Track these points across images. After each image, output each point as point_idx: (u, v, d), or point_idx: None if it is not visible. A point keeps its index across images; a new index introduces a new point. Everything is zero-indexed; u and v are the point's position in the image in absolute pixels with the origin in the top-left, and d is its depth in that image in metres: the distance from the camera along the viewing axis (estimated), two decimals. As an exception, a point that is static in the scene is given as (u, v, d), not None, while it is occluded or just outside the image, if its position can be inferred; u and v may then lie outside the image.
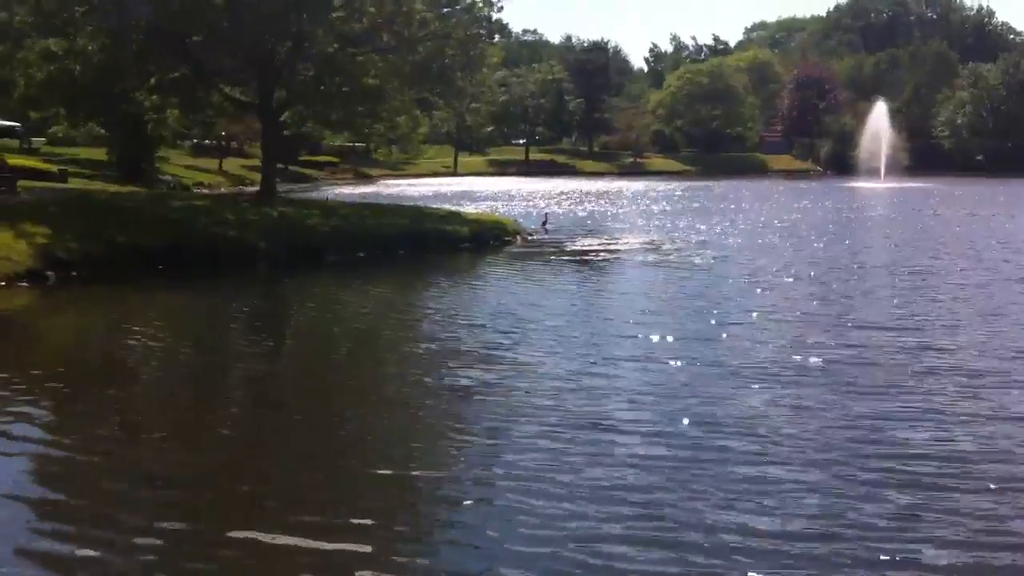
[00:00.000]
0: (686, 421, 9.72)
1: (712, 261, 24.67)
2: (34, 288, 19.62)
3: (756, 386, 11.12)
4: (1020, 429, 9.42)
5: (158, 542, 6.94)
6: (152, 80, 33.50)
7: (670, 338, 14.12)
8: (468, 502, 7.66)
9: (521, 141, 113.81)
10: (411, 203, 37.33)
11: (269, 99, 34.23)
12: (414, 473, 8.40)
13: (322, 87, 33.53)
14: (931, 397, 10.60)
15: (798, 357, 12.69)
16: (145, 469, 8.69)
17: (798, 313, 16.45)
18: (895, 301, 17.66)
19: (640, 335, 14.46)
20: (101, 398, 11.26)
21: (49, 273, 20.27)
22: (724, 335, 14.41)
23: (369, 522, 7.23)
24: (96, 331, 16.44)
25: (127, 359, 13.55)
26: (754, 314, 16.38)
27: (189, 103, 35.37)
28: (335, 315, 17.81)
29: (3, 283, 19.29)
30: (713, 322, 15.61)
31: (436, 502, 7.82)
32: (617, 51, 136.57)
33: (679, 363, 12.40)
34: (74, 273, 20.76)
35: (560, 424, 9.67)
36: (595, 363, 12.52)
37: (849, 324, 15.28)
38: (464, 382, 11.66)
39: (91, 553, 6.72)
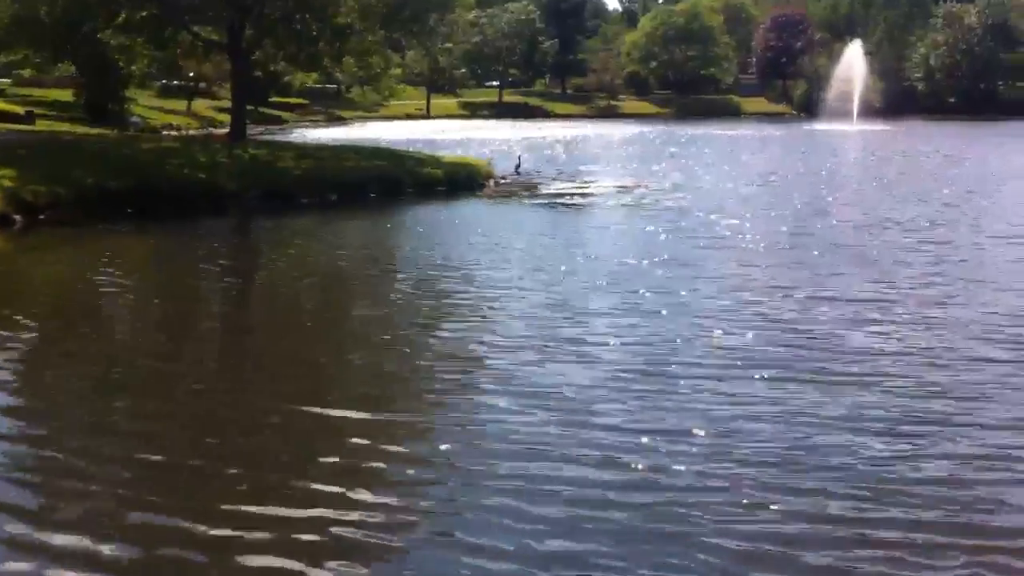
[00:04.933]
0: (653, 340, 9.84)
1: (684, 204, 24.64)
2: (1, 232, 19.38)
3: (710, 303, 11.26)
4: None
5: (129, 483, 6.97)
6: (120, 18, 32.84)
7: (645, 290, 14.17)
8: (445, 444, 7.66)
9: (494, 83, 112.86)
10: (384, 146, 36.96)
11: (239, 38, 33.69)
12: (387, 414, 8.38)
13: (292, 25, 33.01)
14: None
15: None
16: (115, 415, 8.68)
17: (762, 248, 16.61)
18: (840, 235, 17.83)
19: (616, 277, 14.52)
20: (69, 344, 11.13)
21: (16, 217, 20.01)
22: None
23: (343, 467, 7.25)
24: (64, 276, 16.23)
25: (96, 303, 13.48)
26: (714, 248, 16.54)
27: (157, 42, 34.71)
28: (306, 258, 17.71)
29: (-31, 226, 19.06)
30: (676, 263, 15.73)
31: (414, 441, 7.82)
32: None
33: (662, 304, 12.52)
34: (41, 216, 20.51)
35: (527, 364, 9.76)
36: (566, 300, 12.58)
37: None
38: (438, 322, 11.74)
39: (60, 502, 6.72)
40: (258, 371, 9.98)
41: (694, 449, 7.44)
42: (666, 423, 8.00)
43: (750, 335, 10.86)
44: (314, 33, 33.67)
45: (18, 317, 12.24)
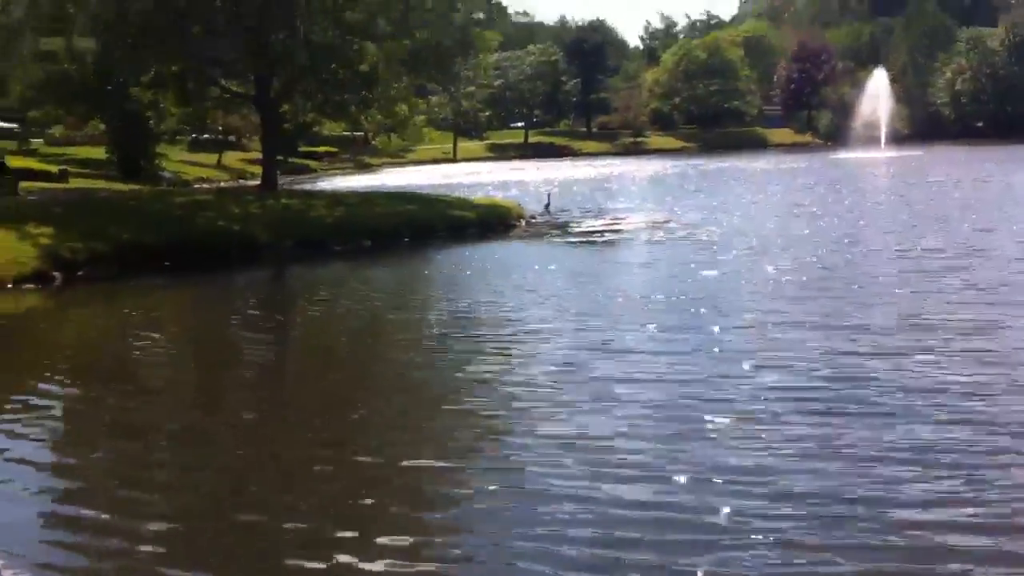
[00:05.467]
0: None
1: (717, 238, 24.48)
2: (41, 289, 19.58)
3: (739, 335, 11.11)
4: None
5: (168, 539, 6.91)
6: (149, 75, 33.35)
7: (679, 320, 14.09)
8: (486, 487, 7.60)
9: (519, 124, 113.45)
10: (414, 191, 37.22)
11: (267, 90, 34.10)
12: (423, 461, 8.31)
13: (319, 75, 33.37)
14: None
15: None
16: (157, 465, 8.70)
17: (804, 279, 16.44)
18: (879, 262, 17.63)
19: (648, 315, 14.43)
20: (109, 399, 11.10)
21: (56, 274, 20.22)
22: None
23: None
24: (105, 331, 16.33)
25: (137, 358, 13.47)
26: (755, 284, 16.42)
27: (186, 97, 35.18)
28: (340, 307, 17.69)
29: (10, 285, 19.25)
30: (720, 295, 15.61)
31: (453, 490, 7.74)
32: (612, 30, 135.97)
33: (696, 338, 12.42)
34: (80, 273, 20.72)
35: (574, 414, 9.60)
36: (608, 341, 12.50)
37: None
38: (477, 367, 11.55)
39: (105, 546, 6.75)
40: (295, 422, 9.82)
41: (732, 489, 7.22)
42: (702, 464, 7.78)
43: (787, 372, 10.56)
44: (340, 82, 33.98)
45: (60, 374, 12.34)
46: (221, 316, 17.35)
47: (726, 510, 6.83)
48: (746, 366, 10.86)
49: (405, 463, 8.18)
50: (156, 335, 14.87)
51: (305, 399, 10.85)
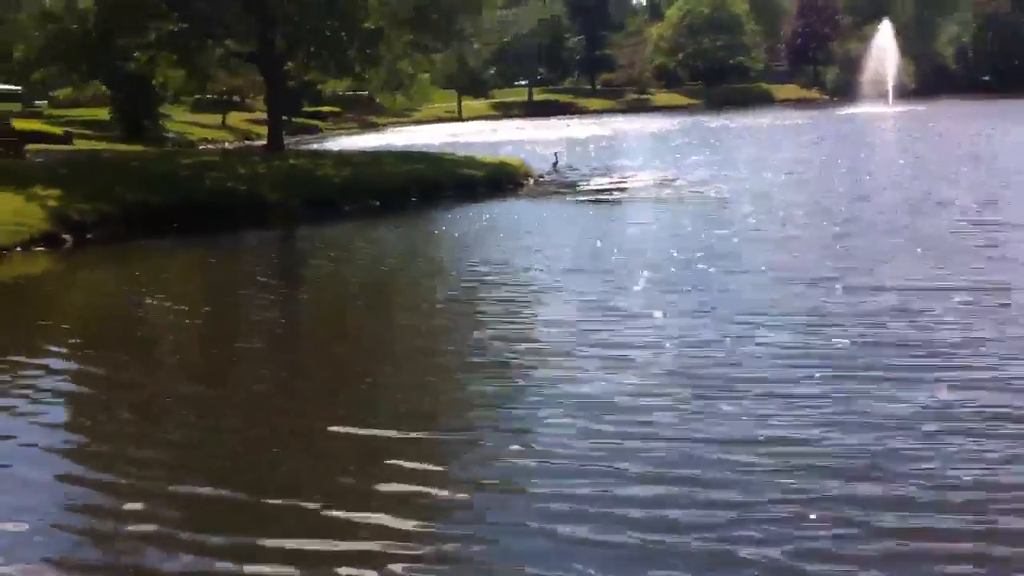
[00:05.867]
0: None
1: (726, 195, 24.34)
2: (51, 252, 19.51)
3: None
4: None
5: (177, 504, 6.83)
6: (151, 36, 33.09)
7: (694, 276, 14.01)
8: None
9: (523, 82, 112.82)
10: (420, 149, 37.05)
11: (270, 49, 33.84)
12: (436, 432, 8.11)
13: (322, 33, 33.08)
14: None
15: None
16: (165, 429, 8.64)
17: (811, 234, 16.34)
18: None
19: (664, 275, 14.36)
20: (122, 361, 11.07)
21: (65, 236, 20.17)
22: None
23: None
24: (116, 295, 16.23)
25: (149, 322, 13.40)
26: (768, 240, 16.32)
27: (187, 57, 34.86)
28: (350, 267, 17.61)
29: (20, 248, 19.19)
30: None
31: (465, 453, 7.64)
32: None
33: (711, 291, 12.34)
34: (89, 235, 20.66)
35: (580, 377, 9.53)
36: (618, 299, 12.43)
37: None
38: (488, 332, 11.36)
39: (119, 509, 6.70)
40: (304, 391, 9.60)
41: (753, 459, 6.94)
42: (721, 431, 7.54)
43: (803, 331, 10.33)
44: (344, 40, 33.68)
45: (72, 338, 12.32)
46: (231, 279, 17.27)
47: (747, 480, 6.62)
48: (761, 327, 10.64)
49: (416, 433, 7.94)
50: (167, 298, 14.77)
51: (314, 366, 10.68)
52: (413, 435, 7.88)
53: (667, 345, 10.13)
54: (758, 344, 9.97)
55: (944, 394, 8.10)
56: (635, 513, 6.20)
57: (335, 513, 6.44)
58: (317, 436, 8.02)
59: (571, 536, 5.96)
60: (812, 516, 6.05)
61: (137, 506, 6.70)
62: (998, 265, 13.56)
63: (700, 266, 14.57)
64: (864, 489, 6.40)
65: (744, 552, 5.66)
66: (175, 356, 11.67)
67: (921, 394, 8.15)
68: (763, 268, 14.23)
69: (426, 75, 39.31)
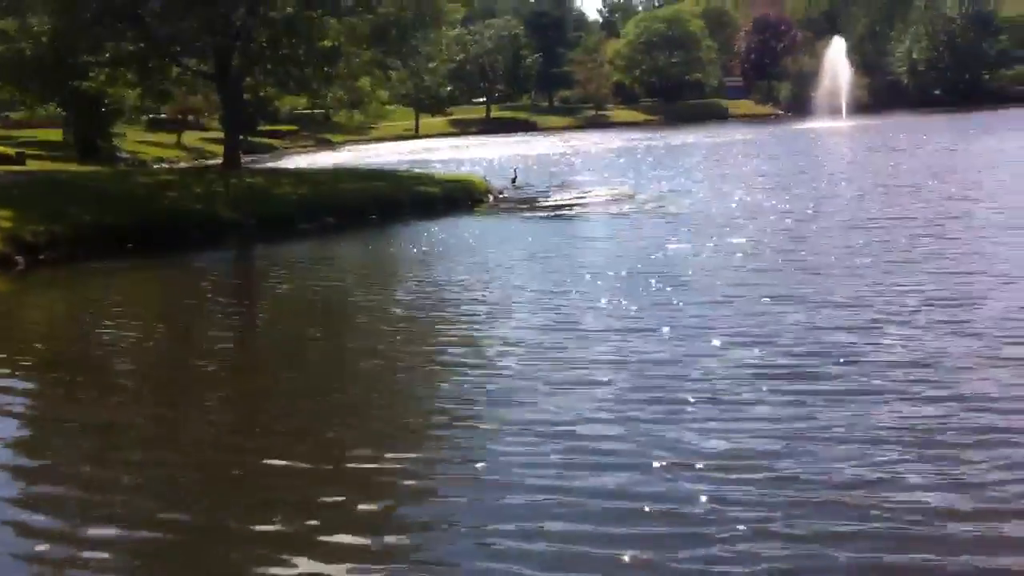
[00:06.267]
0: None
1: (684, 210, 24.39)
2: (3, 274, 19.19)
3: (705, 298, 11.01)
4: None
5: (132, 546, 6.61)
6: (106, 54, 32.74)
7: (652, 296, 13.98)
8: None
9: (481, 100, 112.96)
10: (378, 167, 36.91)
11: (227, 67, 33.59)
12: (392, 454, 7.86)
13: (280, 51, 32.92)
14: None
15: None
16: (125, 452, 8.48)
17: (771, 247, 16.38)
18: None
19: (621, 293, 14.31)
20: (77, 383, 10.89)
21: (18, 258, 19.83)
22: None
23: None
24: (69, 315, 16.02)
25: (103, 346, 13.09)
26: (733, 250, 16.35)
27: (145, 76, 34.54)
28: (308, 285, 17.29)
29: (-30, 270, 18.87)
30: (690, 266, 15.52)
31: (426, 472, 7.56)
32: (571, 3, 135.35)
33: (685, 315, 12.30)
34: (42, 256, 20.34)
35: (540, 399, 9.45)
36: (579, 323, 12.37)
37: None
38: (443, 351, 11.20)
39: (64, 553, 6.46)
40: (260, 414, 9.37)
41: (709, 475, 6.91)
42: (677, 448, 7.46)
43: (758, 349, 10.20)
44: (301, 57, 33.51)
45: (25, 361, 12.02)
46: (186, 300, 16.96)
47: (704, 498, 6.53)
48: (718, 342, 10.56)
49: (368, 453, 7.81)
50: (121, 321, 14.49)
51: (268, 389, 10.39)
52: (358, 465, 7.61)
53: (626, 363, 9.99)
54: (715, 361, 9.88)
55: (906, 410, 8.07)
56: (590, 549, 6.00)
57: (295, 533, 6.33)
58: (264, 471, 7.65)
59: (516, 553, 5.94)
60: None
61: (84, 530, 6.60)
62: (957, 276, 13.64)
63: (656, 282, 14.43)
64: (829, 510, 6.33)
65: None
66: (126, 379, 11.38)
67: (882, 411, 8.12)
68: (719, 284, 14.14)
69: (384, 92, 39.18)
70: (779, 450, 7.34)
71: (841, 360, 9.58)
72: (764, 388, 8.85)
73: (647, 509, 6.45)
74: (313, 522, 6.54)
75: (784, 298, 12.70)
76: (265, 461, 7.81)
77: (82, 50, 31.93)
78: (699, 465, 7.12)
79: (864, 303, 12.14)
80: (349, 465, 7.63)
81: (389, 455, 7.79)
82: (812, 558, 5.72)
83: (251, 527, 6.59)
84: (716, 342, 10.60)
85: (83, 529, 6.67)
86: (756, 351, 10.12)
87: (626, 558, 5.83)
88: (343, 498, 6.96)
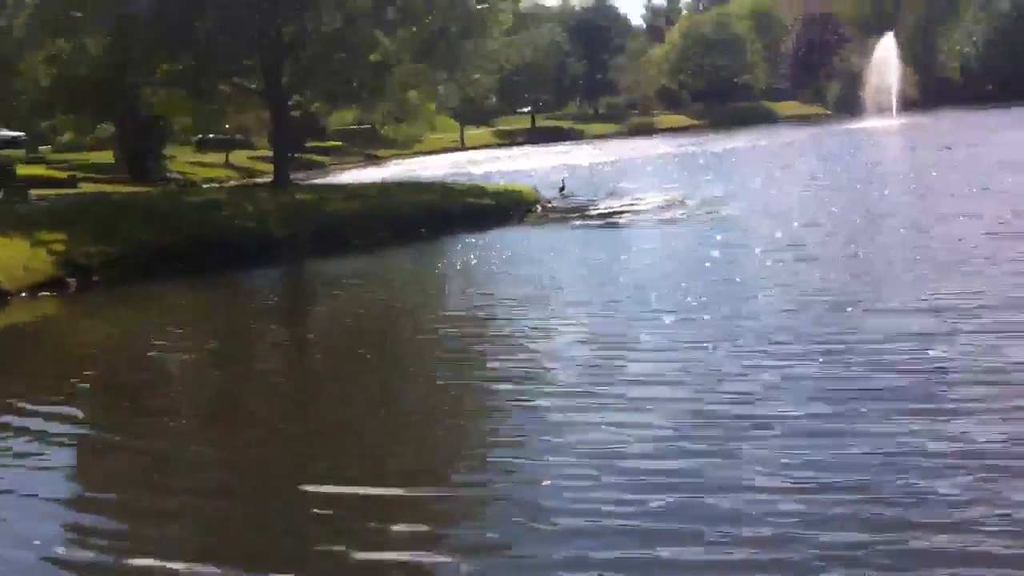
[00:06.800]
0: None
1: (739, 215, 23.90)
2: (57, 296, 19.24)
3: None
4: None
5: (203, 546, 6.62)
6: (159, 74, 33.00)
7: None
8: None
9: (526, 109, 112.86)
10: (428, 181, 36.78)
11: (277, 84, 33.70)
12: (443, 486, 7.45)
13: (329, 66, 32.98)
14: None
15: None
16: (186, 473, 8.37)
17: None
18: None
19: (679, 302, 13.89)
20: (132, 405, 10.76)
21: (70, 280, 19.88)
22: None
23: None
24: (122, 336, 15.91)
25: (154, 365, 13.00)
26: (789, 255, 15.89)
27: (198, 95, 34.72)
28: (361, 304, 16.96)
29: (24, 294, 18.90)
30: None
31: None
32: (613, 8, 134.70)
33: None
34: (95, 278, 20.37)
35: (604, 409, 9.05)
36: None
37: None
38: (498, 370, 10.69)
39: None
40: (311, 446, 8.92)
41: (778, 507, 6.37)
42: (743, 475, 6.92)
43: (829, 360, 9.59)
44: (351, 71, 33.54)
45: (79, 384, 11.91)
46: (240, 320, 16.84)
47: (777, 528, 6.03)
48: (793, 356, 9.89)
49: (419, 491, 7.32)
50: (173, 343, 14.37)
51: (322, 420, 9.82)
52: (416, 493, 7.24)
53: (686, 381, 9.42)
54: (783, 376, 9.25)
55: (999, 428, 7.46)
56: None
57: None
58: (321, 498, 7.32)
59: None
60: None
61: (137, 560, 6.39)
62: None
63: (718, 290, 13.92)
64: (916, 542, 5.84)
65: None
66: (180, 405, 11.11)
67: (965, 426, 7.54)
68: (783, 290, 13.60)
69: (432, 105, 39.12)
70: (871, 468, 6.86)
71: (927, 371, 8.97)
72: (849, 404, 8.23)
73: (729, 531, 6.05)
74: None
75: (852, 303, 12.13)
76: (307, 497, 7.44)
77: (136, 71, 32.16)
78: (786, 485, 6.68)
79: (940, 307, 11.47)
80: (406, 491, 7.29)
81: (446, 477, 7.53)
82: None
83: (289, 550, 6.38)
84: (791, 351, 10.07)
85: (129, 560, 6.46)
86: (832, 363, 9.54)
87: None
88: (405, 526, 6.63)
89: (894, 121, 73.23)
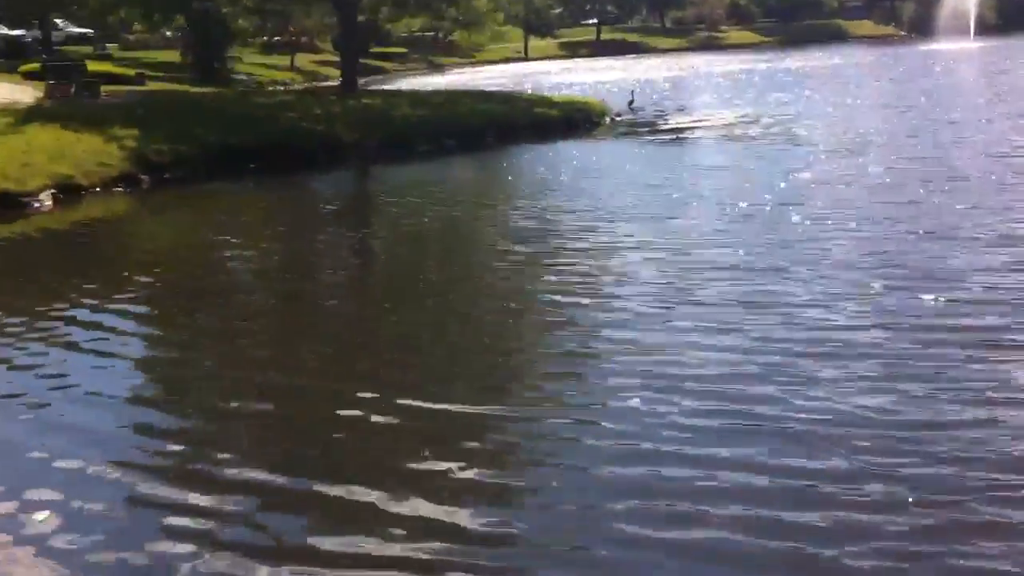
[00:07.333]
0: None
1: (814, 134, 23.41)
2: (130, 192, 19.46)
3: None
4: None
5: (260, 432, 6.82)
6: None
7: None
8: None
9: (591, 21, 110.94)
10: (495, 90, 36.40)
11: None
12: (502, 408, 7.09)
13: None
14: None
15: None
16: (245, 371, 8.40)
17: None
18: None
19: (758, 225, 13.66)
20: (201, 308, 10.70)
21: (143, 177, 20.06)
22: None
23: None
24: (191, 236, 15.99)
25: (223, 266, 13.20)
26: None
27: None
28: (431, 211, 16.81)
29: (99, 188, 19.12)
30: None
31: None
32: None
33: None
34: (167, 176, 20.53)
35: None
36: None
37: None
38: (558, 288, 10.28)
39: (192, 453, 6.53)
40: (374, 353, 8.78)
41: (868, 442, 6.00)
42: (832, 413, 6.46)
43: (921, 292, 9.05)
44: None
45: (152, 283, 11.93)
46: (307, 222, 16.80)
47: (859, 476, 5.61)
48: (872, 284, 9.52)
49: (485, 407, 7.07)
50: (243, 244, 14.50)
51: (384, 326, 9.66)
52: (483, 409, 7.01)
53: (765, 304, 9.05)
54: (865, 306, 8.86)
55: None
56: (726, 510, 5.32)
57: (393, 505, 5.65)
58: (384, 407, 7.09)
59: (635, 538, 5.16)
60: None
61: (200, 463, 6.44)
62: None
63: (793, 214, 13.36)
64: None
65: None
66: (246, 306, 11.03)
67: None
68: (860, 216, 13.05)
69: (500, 13, 38.56)
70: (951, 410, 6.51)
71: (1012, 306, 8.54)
72: (927, 339, 7.81)
73: (788, 482, 5.64)
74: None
75: (933, 235, 11.56)
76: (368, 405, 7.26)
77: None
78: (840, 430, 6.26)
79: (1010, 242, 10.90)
80: (456, 411, 7.00)
81: (497, 405, 7.12)
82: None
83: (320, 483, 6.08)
84: (870, 282, 9.64)
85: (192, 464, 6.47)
86: (910, 294, 9.12)
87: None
88: (445, 446, 6.43)
89: (971, 44, 71.01)
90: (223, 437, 6.92)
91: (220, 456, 6.45)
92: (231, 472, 6.21)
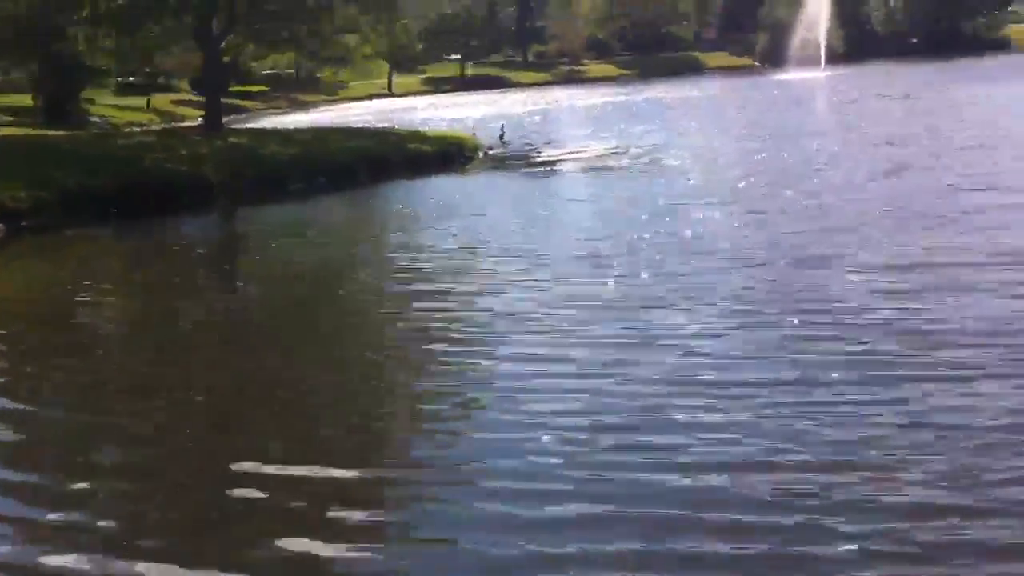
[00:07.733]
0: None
1: (681, 162, 23.85)
2: (-15, 242, 18.48)
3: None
4: None
5: (124, 500, 6.36)
6: (86, 12, 31.74)
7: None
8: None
9: (455, 56, 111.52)
10: (364, 126, 36.10)
11: (209, 25, 32.67)
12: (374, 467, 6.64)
13: (265, 7, 32.08)
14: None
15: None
16: (107, 422, 7.98)
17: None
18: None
19: (632, 257, 13.72)
20: (53, 367, 9.80)
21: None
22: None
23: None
24: (55, 288, 14.82)
25: (85, 317, 12.47)
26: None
27: (128, 32, 33.40)
28: (298, 252, 16.27)
29: (-49, 239, 18.13)
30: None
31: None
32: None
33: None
34: (24, 223, 19.56)
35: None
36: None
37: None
38: (437, 328, 9.88)
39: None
40: (241, 409, 8.26)
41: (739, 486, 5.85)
42: (706, 440, 6.49)
43: (796, 319, 9.11)
44: (286, 13, 32.69)
45: (5, 333, 11.21)
46: (173, 269, 15.85)
47: (711, 486, 5.76)
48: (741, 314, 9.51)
49: (353, 472, 6.52)
50: (105, 293, 13.79)
51: (251, 381, 9.03)
52: (351, 475, 6.46)
53: (648, 338, 8.91)
54: (738, 338, 8.75)
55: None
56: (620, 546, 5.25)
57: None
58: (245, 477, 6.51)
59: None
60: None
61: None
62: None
63: (669, 245, 13.36)
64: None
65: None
66: (102, 369, 10.09)
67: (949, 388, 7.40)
68: (737, 246, 13.06)
69: (368, 48, 38.38)
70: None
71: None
72: (835, 373, 7.64)
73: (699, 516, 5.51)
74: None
75: (810, 260, 11.75)
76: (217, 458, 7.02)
77: (65, 9, 30.94)
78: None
79: (901, 263, 11.13)
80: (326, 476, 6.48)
81: (377, 452, 6.94)
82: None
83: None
84: (753, 311, 9.65)
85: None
86: (801, 322, 9.21)
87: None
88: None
89: (821, 74, 73.79)
90: (75, 499, 6.37)
91: (70, 518, 6.02)
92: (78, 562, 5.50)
